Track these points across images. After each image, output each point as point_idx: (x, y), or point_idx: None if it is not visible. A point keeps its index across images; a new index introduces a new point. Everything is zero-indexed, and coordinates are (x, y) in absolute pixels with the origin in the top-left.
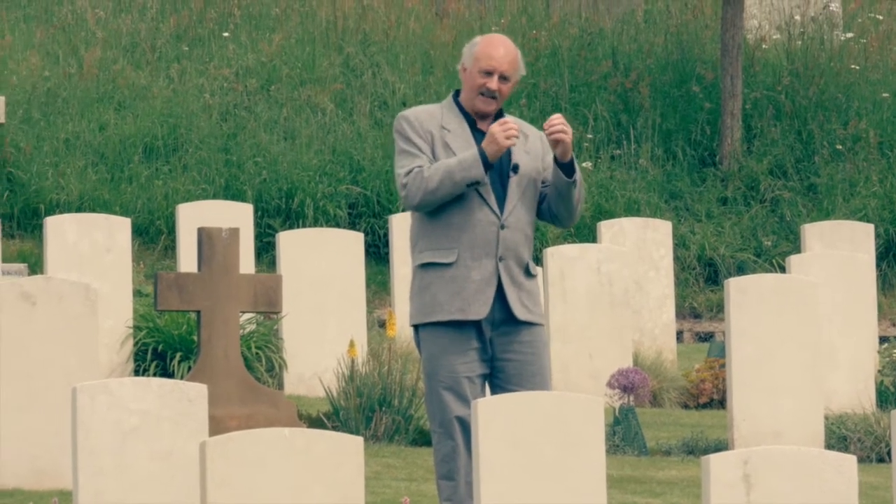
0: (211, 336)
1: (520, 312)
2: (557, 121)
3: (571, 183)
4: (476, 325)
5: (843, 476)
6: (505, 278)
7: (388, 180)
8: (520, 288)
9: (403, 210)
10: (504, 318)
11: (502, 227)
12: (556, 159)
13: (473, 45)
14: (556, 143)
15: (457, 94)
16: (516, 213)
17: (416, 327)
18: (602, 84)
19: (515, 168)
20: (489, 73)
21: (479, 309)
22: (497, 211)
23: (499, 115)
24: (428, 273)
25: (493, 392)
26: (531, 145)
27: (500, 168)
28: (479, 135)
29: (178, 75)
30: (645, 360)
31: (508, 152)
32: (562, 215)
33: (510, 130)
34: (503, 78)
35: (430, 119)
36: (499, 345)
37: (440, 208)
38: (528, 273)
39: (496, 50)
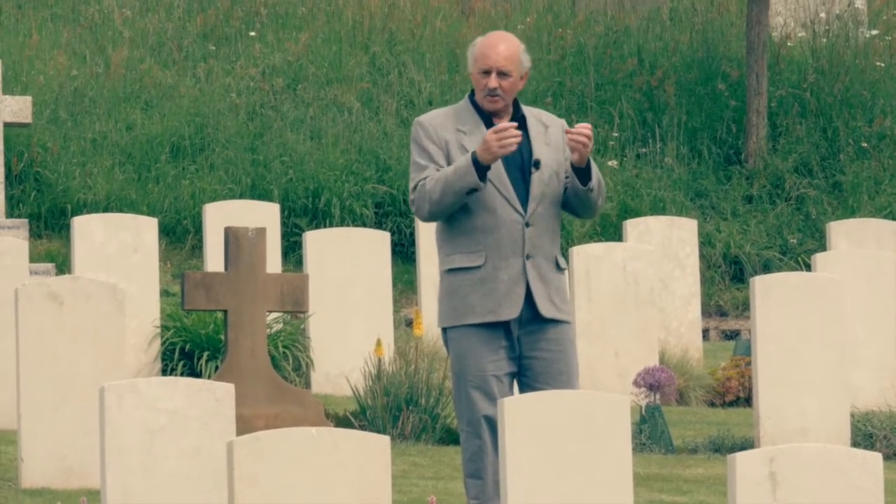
0: (238, 335)
1: (546, 310)
2: (585, 130)
3: (587, 190)
4: (504, 325)
5: (869, 473)
6: (533, 276)
7: None
8: (548, 284)
9: None
10: (531, 317)
11: (527, 224)
12: (572, 164)
13: (473, 46)
14: (573, 150)
15: (473, 93)
16: (541, 210)
17: (445, 329)
18: (627, 82)
19: (537, 164)
20: (487, 72)
21: (511, 309)
22: (521, 209)
23: (517, 108)
24: (456, 277)
25: (521, 390)
26: (551, 136)
27: (521, 164)
28: None
29: (205, 75)
30: (671, 358)
31: (530, 146)
32: (581, 212)
33: (507, 139)
34: (502, 74)
35: (446, 122)
36: (526, 343)
37: (463, 212)
38: (559, 267)
39: (492, 48)
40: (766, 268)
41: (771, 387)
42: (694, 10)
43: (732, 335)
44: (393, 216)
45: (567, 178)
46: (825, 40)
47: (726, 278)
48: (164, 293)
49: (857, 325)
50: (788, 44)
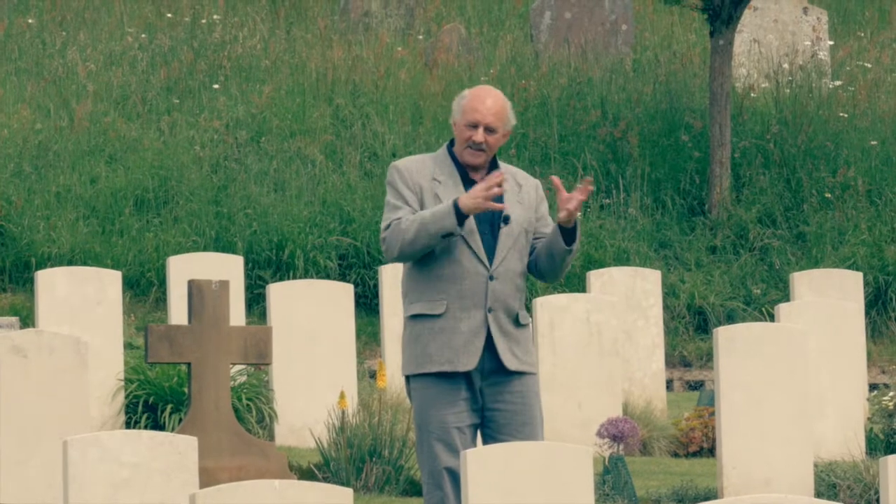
0: (201, 388)
1: (510, 363)
2: (581, 196)
3: (567, 251)
4: (466, 376)
5: None
6: (494, 329)
7: (378, 231)
8: (509, 338)
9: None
10: (494, 369)
11: (491, 278)
12: (559, 224)
13: (462, 98)
14: (565, 208)
15: (451, 143)
16: (506, 264)
17: (408, 378)
18: (591, 133)
19: (507, 219)
20: (474, 126)
21: (468, 360)
22: (486, 262)
23: (493, 164)
24: (417, 324)
25: (485, 442)
26: (525, 195)
27: (491, 218)
28: (467, 186)
29: (169, 127)
30: (635, 408)
31: (501, 198)
32: (547, 274)
33: (493, 192)
34: (489, 130)
35: (422, 170)
36: (489, 395)
37: (429, 260)
38: (518, 323)
39: (482, 103)
40: (730, 318)
41: (735, 437)
42: (657, 61)
43: (696, 385)
44: (357, 268)
45: (537, 238)
46: (788, 91)
47: (690, 329)
48: (128, 346)
49: (820, 376)
50: (752, 95)
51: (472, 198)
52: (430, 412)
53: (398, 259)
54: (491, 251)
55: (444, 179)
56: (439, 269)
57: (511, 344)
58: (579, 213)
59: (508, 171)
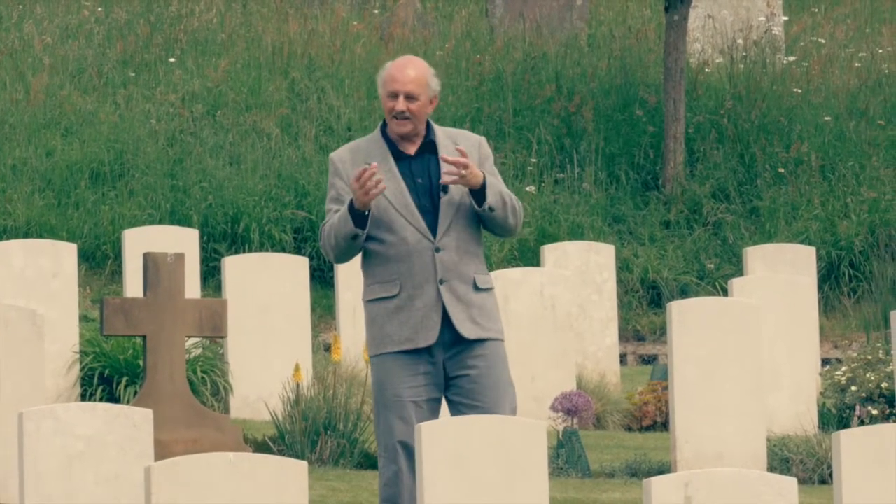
0: (157, 361)
1: (468, 331)
2: (457, 161)
3: (484, 210)
4: (427, 351)
5: (784, 498)
6: (449, 300)
7: None
8: (469, 305)
9: None
10: (454, 339)
11: (437, 249)
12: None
13: (382, 70)
14: (457, 177)
15: (385, 122)
16: (453, 233)
17: (370, 358)
18: (546, 108)
19: (445, 188)
20: (395, 96)
21: (427, 335)
22: (430, 236)
23: (429, 131)
24: (375, 306)
25: (453, 412)
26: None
27: (430, 189)
28: (402, 161)
29: (125, 101)
30: (588, 382)
31: (439, 170)
32: (495, 230)
33: (369, 184)
34: (410, 97)
35: (354, 157)
36: (451, 365)
37: (378, 242)
38: (478, 288)
39: (399, 72)
40: (684, 293)
41: (688, 411)
42: (612, 36)
43: (650, 360)
44: (312, 241)
45: None
46: (742, 66)
47: (644, 303)
48: (84, 318)
49: (773, 350)
50: (706, 70)
51: (355, 196)
52: (387, 387)
53: (338, 262)
54: (433, 223)
55: (376, 159)
56: (388, 250)
57: (471, 312)
58: (477, 175)
59: (447, 135)
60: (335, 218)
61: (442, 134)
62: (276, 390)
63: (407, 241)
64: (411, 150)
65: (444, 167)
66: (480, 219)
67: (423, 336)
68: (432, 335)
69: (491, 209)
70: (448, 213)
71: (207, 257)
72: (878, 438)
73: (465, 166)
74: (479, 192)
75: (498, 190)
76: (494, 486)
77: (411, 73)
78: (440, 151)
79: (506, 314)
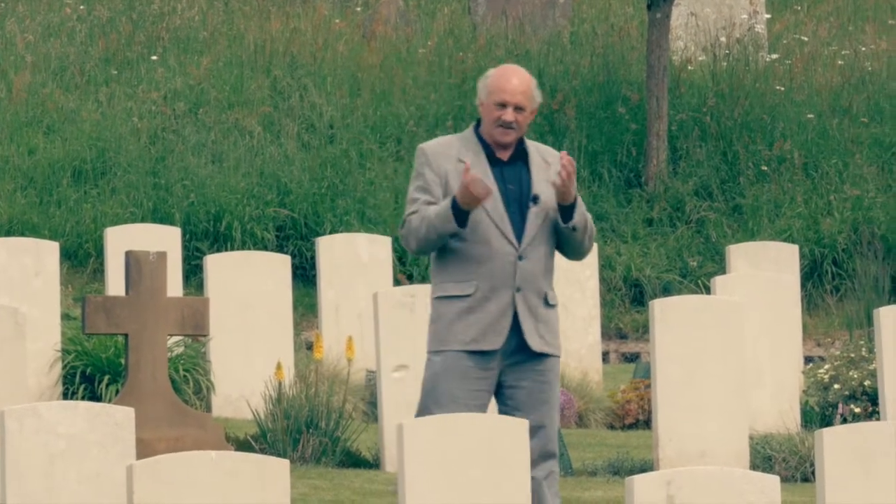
0: (139, 359)
1: (535, 344)
2: (566, 162)
3: (568, 229)
4: (489, 355)
5: (766, 496)
6: (522, 309)
7: (316, 203)
8: (537, 319)
9: (330, 233)
10: (518, 348)
11: (520, 258)
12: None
13: (486, 79)
14: (557, 188)
15: (478, 124)
16: (535, 244)
17: (430, 354)
18: None
19: (536, 199)
20: (503, 105)
21: (494, 340)
22: (515, 242)
23: (520, 142)
24: (445, 304)
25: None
26: (553, 173)
27: (520, 198)
28: (496, 166)
29: (107, 99)
30: (571, 381)
31: (530, 181)
32: (567, 252)
33: (479, 185)
34: (518, 108)
35: (447, 151)
36: (511, 373)
37: (459, 241)
38: (547, 303)
39: (508, 82)
40: (666, 291)
41: (670, 409)
42: (595, 34)
43: (632, 358)
44: (294, 239)
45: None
46: (725, 64)
47: (626, 301)
48: (66, 317)
49: (756, 348)
50: (689, 68)
51: (462, 194)
52: (442, 383)
53: (418, 254)
54: (520, 231)
55: (469, 159)
56: (468, 250)
57: (538, 325)
58: (574, 190)
59: (536, 149)
60: (430, 212)
61: (532, 146)
62: (259, 388)
63: (491, 244)
64: (504, 156)
65: (554, 168)
66: (558, 236)
67: (491, 340)
68: (499, 340)
69: (574, 228)
70: (535, 224)
71: (190, 255)
72: (860, 437)
73: (573, 174)
74: (567, 209)
75: (583, 211)
76: (478, 483)
77: (521, 84)
78: (531, 163)
79: None
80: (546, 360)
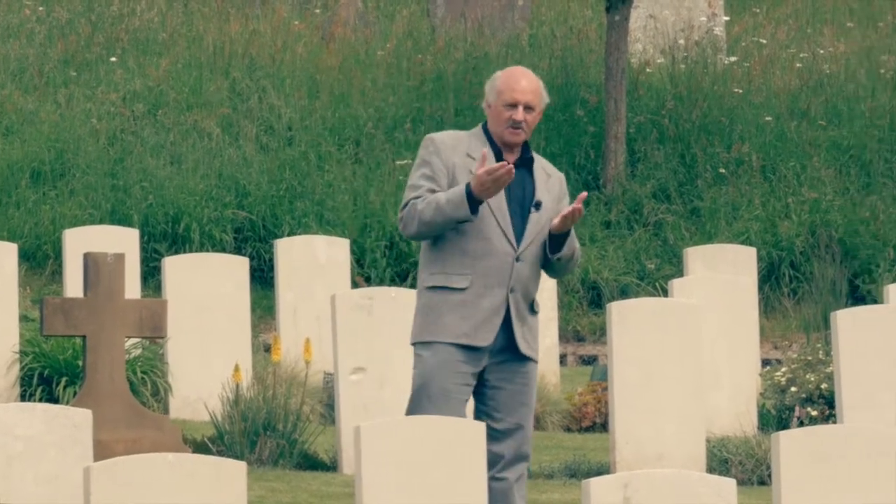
0: (96, 361)
1: (522, 346)
2: (578, 205)
3: (555, 258)
4: (477, 352)
5: (723, 499)
6: (513, 310)
7: (274, 205)
8: (523, 322)
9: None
10: (505, 348)
11: (517, 259)
12: (550, 230)
13: (494, 80)
14: (563, 218)
15: (486, 124)
16: (531, 249)
17: (417, 345)
18: None
19: (538, 205)
20: (514, 106)
21: (486, 336)
22: (514, 243)
23: (525, 150)
24: (436, 295)
25: (478, 417)
26: (552, 186)
27: (522, 201)
28: None
29: (66, 100)
30: None
31: (534, 187)
32: (547, 269)
33: (500, 173)
34: (528, 108)
35: (457, 145)
36: (495, 372)
37: (457, 233)
38: (532, 310)
39: (518, 82)
40: (624, 293)
41: (627, 412)
42: (553, 36)
43: (590, 360)
44: (252, 241)
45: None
46: (684, 67)
47: (584, 304)
48: (24, 318)
49: (713, 351)
50: (647, 70)
51: (478, 183)
52: (435, 377)
53: (416, 238)
54: (520, 233)
55: (478, 157)
56: (466, 244)
57: (524, 328)
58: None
59: (537, 159)
60: (440, 197)
61: (535, 155)
62: (216, 391)
63: (491, 240)
64: (511, 158)
65: (554, 182)
66: (543, 255)
67: (482, 336)
68: (490, 337)
69: (558, 259)
70: (534, 229)
71: (148, 257)
72: (817, 439)
73: (576, 216)
74: (558, 239)
75: (573, 245)
76: (435, 485)
77: (529, 84)
78: (535, 171)
79: None
80: (528, 363)
